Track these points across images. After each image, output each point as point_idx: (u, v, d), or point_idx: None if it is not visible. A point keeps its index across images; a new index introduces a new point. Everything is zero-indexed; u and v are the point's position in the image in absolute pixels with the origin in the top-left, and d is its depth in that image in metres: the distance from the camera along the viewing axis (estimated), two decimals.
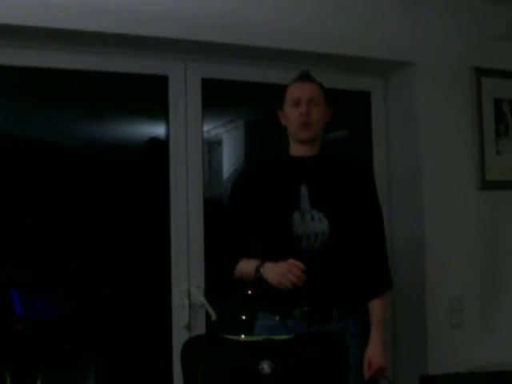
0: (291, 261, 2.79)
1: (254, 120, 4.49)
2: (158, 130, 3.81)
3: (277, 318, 2.95)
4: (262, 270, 2.88)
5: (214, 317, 3.43)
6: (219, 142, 4.50)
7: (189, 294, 3.51)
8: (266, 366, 2.59)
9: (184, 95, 3.59)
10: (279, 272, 2.81)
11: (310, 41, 3.59)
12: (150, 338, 4.12)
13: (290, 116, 3.00)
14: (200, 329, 3.52)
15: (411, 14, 3.83)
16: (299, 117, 2.95)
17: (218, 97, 3.89)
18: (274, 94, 3.97)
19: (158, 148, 3.80)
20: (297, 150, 3.05)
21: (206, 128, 3.85)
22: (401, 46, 3.79)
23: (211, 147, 4.40)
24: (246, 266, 2.98)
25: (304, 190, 2.95)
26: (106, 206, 4.35)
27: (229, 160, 4.50)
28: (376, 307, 3.04)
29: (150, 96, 3.91)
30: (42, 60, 3.35)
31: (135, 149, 4.38)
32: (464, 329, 3.84)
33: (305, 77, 3.06)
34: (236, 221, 3.08)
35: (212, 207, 3.82)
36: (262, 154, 4.31)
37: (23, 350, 4.09)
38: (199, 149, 3.62)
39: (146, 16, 3.28)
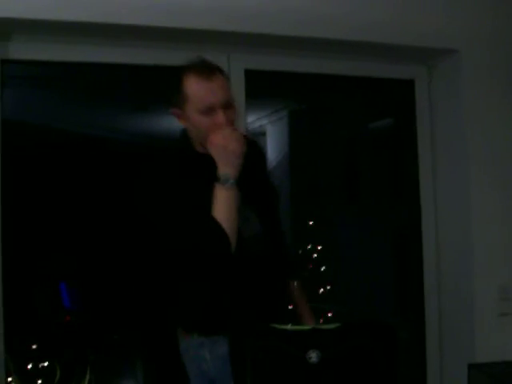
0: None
1: (298, 110, 4.49)
2: None
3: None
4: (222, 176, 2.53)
5: None
6: (263, 133, 4.52)
7: None
8: (313, 356, 2.60)
9: None
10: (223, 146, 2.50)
11: (353, 29, 3.57)
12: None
13: (201, 124, 2.58)
14: None
15: (454, 1, 3.79)
16: (215, 126, 2.54)
17: (261, 88, 3.89)
18: (318, 84, 3.98)
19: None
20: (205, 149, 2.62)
21: (249, 119, 3.87)
22: (444, 33, 3.76)
23: (256, 138, 4.42)
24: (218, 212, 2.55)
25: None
26: (149, 198, 4.38)
27: (273, 151, 4.52)
28: (296, 290, 2.96)
29: None
30: (89, 55, 3.38)
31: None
32: None
33: (210, 70, 2.58)
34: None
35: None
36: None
37: (72, 341, 4.15)
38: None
39: (189, 9, 3.29)
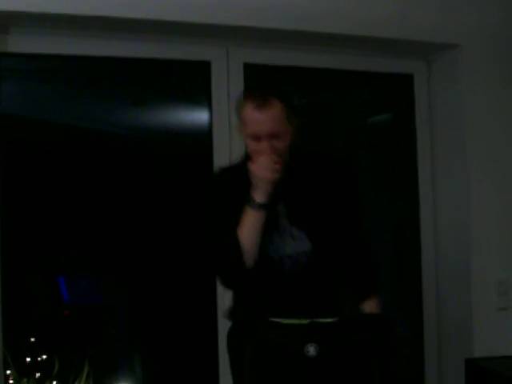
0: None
1: (297, 105, 4.48)
2: (201, 116, 3.82)
3: None
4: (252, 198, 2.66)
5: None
6: None
7: None
8: (311, 349, 2.60)
9: (226, 81, 3.60)
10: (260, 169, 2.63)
11: (352, 24, 3.57)
12: (195, 322, 4.15)
13: (250, 146, 2.72)
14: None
15: None
16: (260, 153, 2.66)
17: (260, 82, 3.89)
18: (316, 79, 3.98)
19: None
20: None
21: None
22: (443, 27, 3.76)
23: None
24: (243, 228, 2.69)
25: (281, 208, 2.75)
26: (150, 194, 4.38)
27: None
28: (370, 306, 2.92)
29: (192, 82, 3.93)
30: (87, 48, 3.38)
31: (179, 136, 4.40)
32: (510, 312, 3.80)
33: (262, 102, 2.65)
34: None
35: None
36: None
37: (71, 335, 4.15)
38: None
39: (188, 2, 3.29)
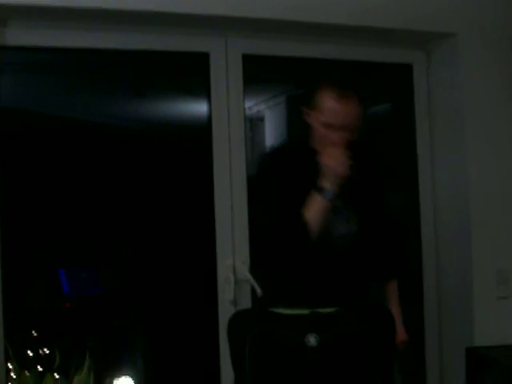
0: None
1: (296, 95, 4.48)
2: (199, 107, 3.82)
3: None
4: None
5: (259, 292, 3.44)
6: (261, 119, 4.51)
7: (234, 270, 3.53)
8: (312, 339, 2.61)
9: (225, 72, 3.59)
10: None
11: (351, 14, 3.56)
12: (196, 313, 4.16)
13: (319, 132, 2.81)
14: (246, 304, 3.53)
15: None
16: (329, 140, 2.77)
17: (259, 73, 3.89)
18: (315, 69, 3.97)
19: None
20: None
21: (247, 105, 3.86)
22: (441, 16, 3.75)
23: (253, 124, 4.40)
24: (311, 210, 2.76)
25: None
26: (150, 185, 4.38)
27: (271, 136, 4.51)
28: (389, 289, 3.08)
29: (191, 73, 3.93)
30: (84, 40, 3.37)
31: (177, 127, 4.40)
32: (511, 301, 3.81)
33: (344, 94, 2.76)
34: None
35: (255, 183, 3.83)
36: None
37: (72, 328, 4.16)
38: (241, 125, 3.62)
39: None
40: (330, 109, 2.75)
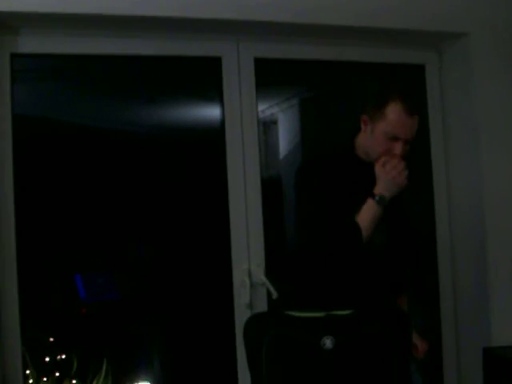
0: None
1: (309, 98, 4.48)
2: (212, 112, 3.83)
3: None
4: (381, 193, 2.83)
5: (274, 295, 3.44)
6: (275, 122, 4.50)
7: (249, 273, 3.54)
8: (328, 342, 2.61)
9: (237, 76, 3.60)
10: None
11: (362, 15, 3.56)
12: (212, 317, 4.16)
13: (379, 144, 2.86)
14: (261, 307, 3.53)
15: None
16: (390, 152, 2.85)
17: (271, 76, 3.89)
18: (328, 71, 3.97)
19: None
20: (364, 155, 2.97)
21: (260, 108, 3.86)
22: (454, 16, 3.74)
23: (267, 127, 4.40)
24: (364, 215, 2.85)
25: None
26: (164, 190, 4.39)
27: (285, 139, 4.50)
28: (401, 302, 3.14)
29: (203, 78, 3.93)
30: (97, 47, 3.39)
31: (191, 131, 4.40)
32: None
33: (415, 109, 2.85)
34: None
35: (269, 187, 3.83)
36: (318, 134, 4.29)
37: (89, 334, 4.17)
38: (255, 129, 3.63)
39: None
40: (398, 120, 2.81)
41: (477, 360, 3.64)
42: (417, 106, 2.88)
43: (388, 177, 2.82)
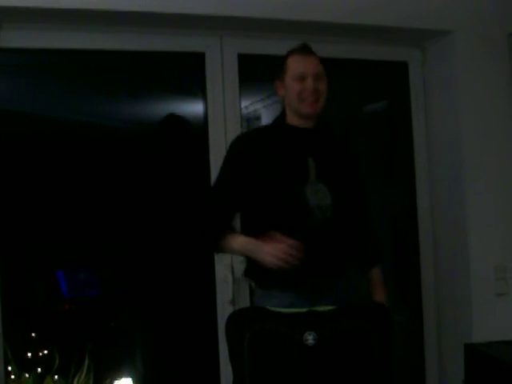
0: (288, 242, 2.68)
1: None
2: (195, 107, 3.82)
3: (284, 294, 2.82)
4: (251, 249, 2.81)
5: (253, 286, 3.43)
6: (258, 118, 4.51)
7: (232, 269, 3.54)
8: (310, 338, 2.62)
9: (221, 71, 3.60)
10: (272, 253, 2.69)
11: (346, 12, 3.57)
12: (195, 313, 4.15)
13: (293, 89, 2.90)
14: (244, 303, 3.54)
15: None
16: (305, 92, 2.88)
17: (254, 72, 3.89)
18: None
19: (177, 124, 3.80)
20: (295, 120, 2.96)
21: (243, 104, 3.86)
22: (437, 14, 3.76)
23: (250, 123, 4.40)
24: (234, 243, 2.87)
25: (311, 162, 2.89)
26: (147, 186, 4.38)
27: None
28: (373, 275, 3.10)
29: (186, 74, 3.93)
30: (79, 42, 3.38)
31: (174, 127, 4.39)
32: (509, 297, 3.81)
33: (308, 50, 2.97)
34: (229, 186, 2.94)
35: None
36: None
37: (71, 329, 4.16)
38: (238, 125, 3.63)
39: None
40: (297, 62, 2.93)
41: (458, 356, 3.66)
42: (311, 49, 2.97)
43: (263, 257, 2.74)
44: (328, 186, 2.87)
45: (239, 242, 2.85)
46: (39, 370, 3.13)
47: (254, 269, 2.88)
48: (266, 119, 4.47)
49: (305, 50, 2.96)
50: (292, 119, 2.96)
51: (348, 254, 2.97)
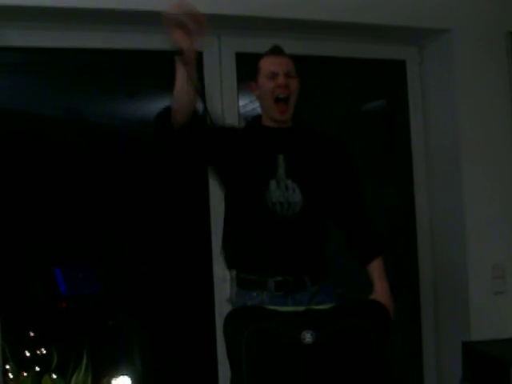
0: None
1: None
2: None
3: (254, 293, 2.90)
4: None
5: None
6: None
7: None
8: (307, 336, 2.61)
9: (219, 70, 3.60)
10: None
11: (344, 11, 3.57)
12: (193, 311, 4.16)
13: (266, 87, 2.97)
14: None
15: None
16: (277, 89, 2.94)
17: (252, 71, 3.89)
18: (309, 66, 3.97)
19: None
20: (269, 121, 3.03)
21: (241, 103, 3.86)
22: (435, 12, 3.76)
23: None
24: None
25: (281, 159, 2.93)
26: (145, 185, 4.39)
27: None
28: (374, 266, 3.04)
29: None
30: (77, 40, 3.38)
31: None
32: (506, 295, 3.82)
33: (279, 51, 3.05)
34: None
35: None
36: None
37: (69, 328, 4.16)
38: (236, 124, 3.63)
39: None
40: (269, 62, 3.01)
41: (456, 354, 3.66)
42: (282, 49, 3.04)
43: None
44: (298, 183, 2.92)
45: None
46: (37, 368, 3.13)
47: (232, 257, 2.99)
48: None
49: (276, 50, 3.05)
50: (266, 120, 3.04)
51: (321, 251, 3.00)
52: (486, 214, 3.80)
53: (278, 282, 2.87)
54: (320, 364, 2.62)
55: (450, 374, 3.84)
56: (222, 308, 3.45)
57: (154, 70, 3.95)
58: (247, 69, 3.69)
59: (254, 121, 3.11)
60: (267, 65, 3.01)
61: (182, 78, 2.75)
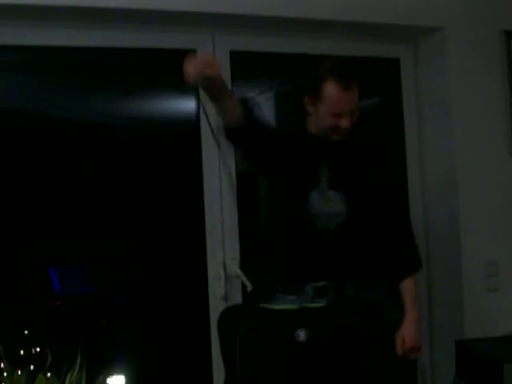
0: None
1: (284, 91, 4.48)
2: (188, 105, 3.82)
3: (292, 297, 2.83)
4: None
5: (249, 287, 3.45)
6: None
7: (224, 266, 3.54)
8: (301, 334, 2.62)
9: None
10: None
11: (338, 9, 3.57)
12: (187, 310, 4.16)
13: (327, 122, 2.86)
14: (236, 299, 3.54)
15: None
16: (339, 128, 2.85)
17: (247, 69, 3.89)
18: (304, 64, 3.97)
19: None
20: (317, 131, 2.96)
21: None
22: (429, 10, 3.76)
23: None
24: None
25: (324, 169, 2.89)
26: (139, 183, 4.38)
27: None
28: (408, 287, 2.97)
29: (179, 71, 3.92)
30: (71, 39, 3.37)
31: (166, 124, 4.40)
32: (500, 293, 3.82)
33: (347, 83, 2.83)
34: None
35: (244, 180, 3.83)
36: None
37: (63, 326, 4.16)
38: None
39: None
40: (337, 99, 2.81)
41: (450, 352, 3.66)
42: (351, 78, 2.85)
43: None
44: (342, 195, 2.87)
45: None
46: (32, 367, 3.13)
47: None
48: None
49: (345, 82, 2.83)
50: (313, 128, 2.97)
51: (364, 263, 2.93)
52: (479, 211, 3.80)
53: (315, 288, 2.82)
54: (314, 362, 2.63)
55: (444, 372, 3.84)
56: (216, 306, 3.46)
57: (149, 68, 3.95)
58: (241, 67, 3.70)
59: (300, 127, 3.03)
60: (333, 101, 2.82)
61: (216, 105, 2.84)
